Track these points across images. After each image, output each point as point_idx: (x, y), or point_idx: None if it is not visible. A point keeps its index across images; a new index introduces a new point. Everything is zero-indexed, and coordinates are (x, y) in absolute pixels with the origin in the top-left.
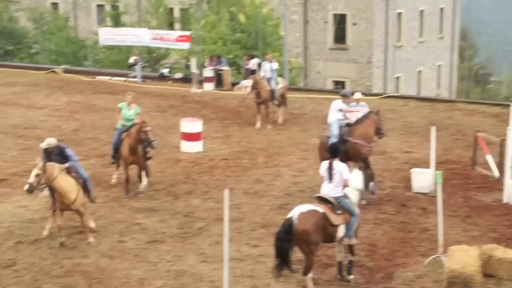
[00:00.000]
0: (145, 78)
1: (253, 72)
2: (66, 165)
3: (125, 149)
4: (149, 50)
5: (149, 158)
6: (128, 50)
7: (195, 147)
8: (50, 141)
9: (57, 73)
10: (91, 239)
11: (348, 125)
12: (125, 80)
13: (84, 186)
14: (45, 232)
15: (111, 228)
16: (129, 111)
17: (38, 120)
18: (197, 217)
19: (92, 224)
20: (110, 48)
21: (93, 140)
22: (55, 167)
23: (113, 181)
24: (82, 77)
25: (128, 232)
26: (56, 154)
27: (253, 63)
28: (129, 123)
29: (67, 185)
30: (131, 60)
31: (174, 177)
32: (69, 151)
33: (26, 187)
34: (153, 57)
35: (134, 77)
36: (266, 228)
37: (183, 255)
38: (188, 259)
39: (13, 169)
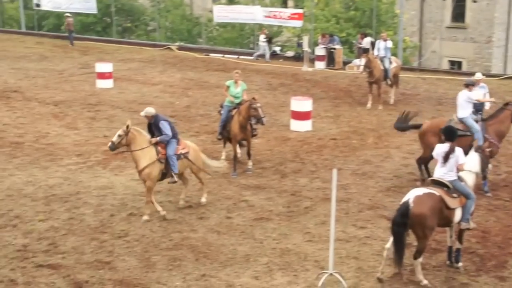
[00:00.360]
0: (259, 56)
1: (366, 50)
2: (157, 139)
3: (235, 126)
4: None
5: (254, 135)
6: (241, 27)
7: (304, 126)
8: (148, 110)
9: (172, 50)
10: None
11: (482, 120)
12: (237, 58)
13: (167, 163)
14: (182, 200)
15: (219, 204)
16: (236, 89)
17: (152, 96)
18: (304, 196)
19: (203, 199)
20: (224, 25)
21: (204, 116)
22: (139, 134)
23: (222, 158)
24: (195, 54)
25: (235, 209)
26: (153, 124)
27: (366, 42)
28: (237, 100)
29: (142, 155)
30: (262, 38)
31: (282, 156)
32: (164, 125)
33: (109, 144)
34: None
35: (262, 55)
36: (374, 210)
37: (289, 233)
38: (294, 238)
39: None
